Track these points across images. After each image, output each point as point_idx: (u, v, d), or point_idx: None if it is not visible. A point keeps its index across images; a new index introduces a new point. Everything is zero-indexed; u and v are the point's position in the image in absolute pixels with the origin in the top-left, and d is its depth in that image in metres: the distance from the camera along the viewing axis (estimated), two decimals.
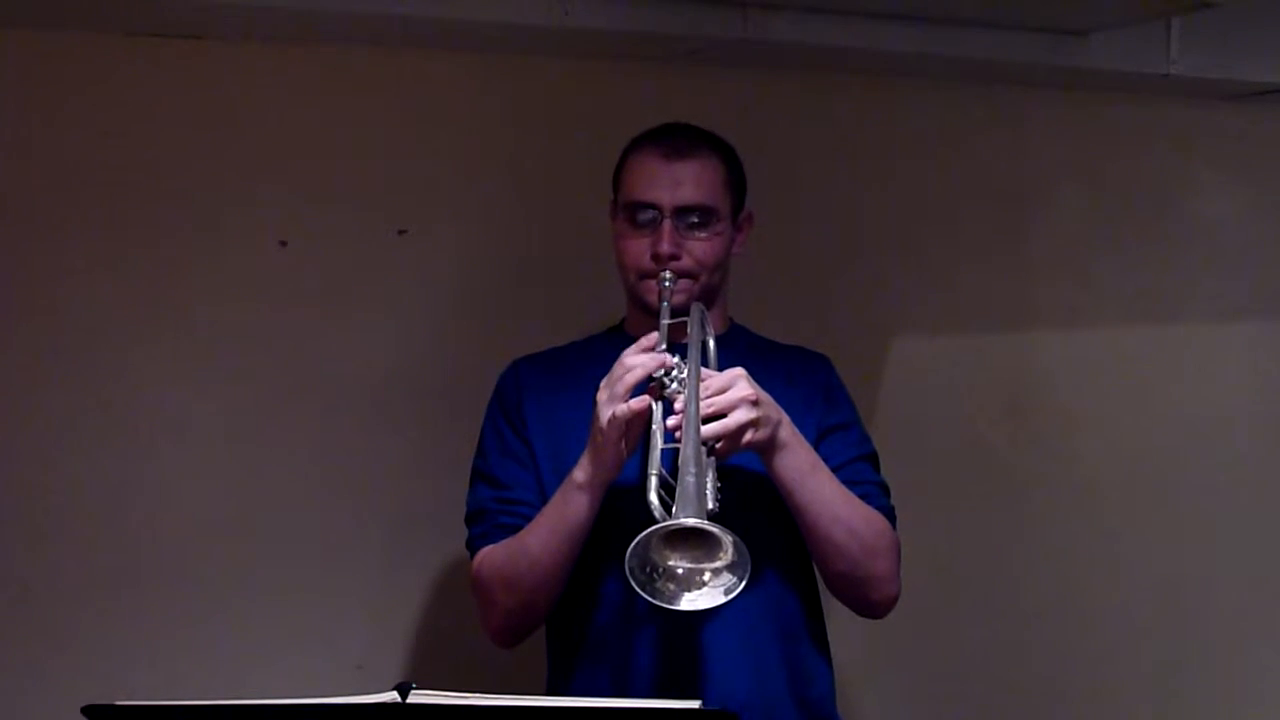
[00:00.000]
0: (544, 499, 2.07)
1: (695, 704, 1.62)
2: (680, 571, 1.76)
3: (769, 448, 1.97)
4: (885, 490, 2.17)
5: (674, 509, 1.74)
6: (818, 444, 2.09)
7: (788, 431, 1.99)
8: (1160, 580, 3.26)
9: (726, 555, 1.73)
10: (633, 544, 1.70)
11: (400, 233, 2.63)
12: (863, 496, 2.08)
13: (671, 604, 1.76)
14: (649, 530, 1.71)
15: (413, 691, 1.56)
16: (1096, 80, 3.05)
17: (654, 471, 1.84)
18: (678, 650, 2.05)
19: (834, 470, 2.06)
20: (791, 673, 2.11)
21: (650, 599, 1.75)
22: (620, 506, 1.98)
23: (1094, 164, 3.20)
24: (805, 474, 2.01)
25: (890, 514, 2.14)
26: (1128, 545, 3.24)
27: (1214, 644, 3.32)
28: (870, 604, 2.12)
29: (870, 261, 3.00)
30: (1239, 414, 3.37)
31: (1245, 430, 3.37)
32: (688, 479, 1.75)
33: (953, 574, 3.04)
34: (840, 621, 2.25)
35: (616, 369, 1.93)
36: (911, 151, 3.02)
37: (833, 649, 2.20)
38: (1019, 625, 3.14)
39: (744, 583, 1.73)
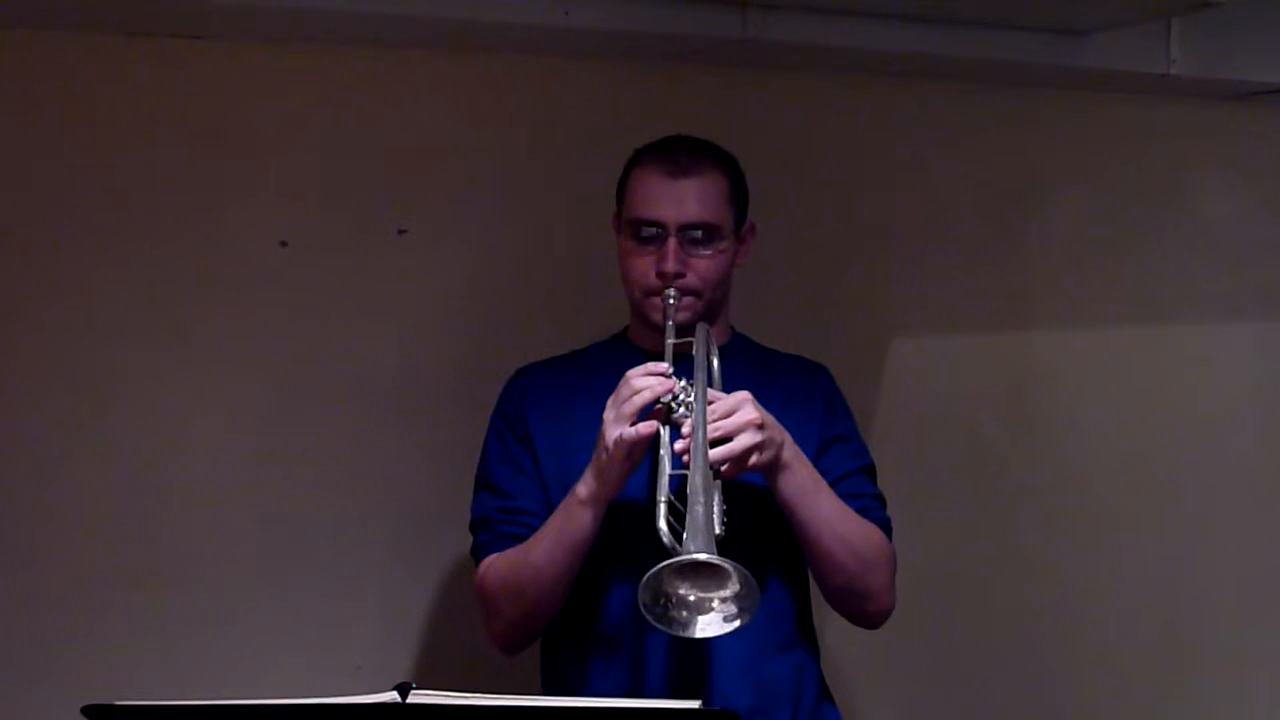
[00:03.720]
0: (548, 508, 2.08)
1: (695, 704, 1.63)
2: (691, 599, 1.77)
3: (773, 469, 1.99)
4: (882, 502, 2.20)
5: (684, 540, 1.75)
6: (818, 455, 2.11)
7: (790, 452, 2.01)
8: (1160, 580, 3.26)
9: (735, 586, 1.75)
10: (644, 579, 1.72)
11: (400, 233, 2.62)
12: (860, 509, 2.11)
13: (686, 631, 1.77)
14: (660, 565, 1.72)
15: (413, 691, 1.56)
16: (1096, 80, 3.05)
17: (663, 499, 1.85)
18: (681, 660, 2.06)
19: (833, 483, 2.08)
20: (790, 677, 2.14)
21: (665, 629, 1.77)
22: (625, 518, 2.01)
23: (1094, 164, 3.20)
24: (807, 493, 2.03)
25: (887, 526, 2.16)
26: (1127, 545, 3.24)
27: (1213, 644, 3.31)
28: (866, 615, 2.15)
29: (870, 261, 3.00)
30: (1239, 414, 3.37)
31: (1245, 430, 3.37)
32: (697, 509, 1.77)
33: (952, 574, 3.04)
34: (840, 624, 2.25)
35: (624, 389, 1.94)
36: (911, 151, 3.02)
37: (833, 652, 2.22)
38: (1018, 625, 3.14)
39: (750, 614, 1.75)
